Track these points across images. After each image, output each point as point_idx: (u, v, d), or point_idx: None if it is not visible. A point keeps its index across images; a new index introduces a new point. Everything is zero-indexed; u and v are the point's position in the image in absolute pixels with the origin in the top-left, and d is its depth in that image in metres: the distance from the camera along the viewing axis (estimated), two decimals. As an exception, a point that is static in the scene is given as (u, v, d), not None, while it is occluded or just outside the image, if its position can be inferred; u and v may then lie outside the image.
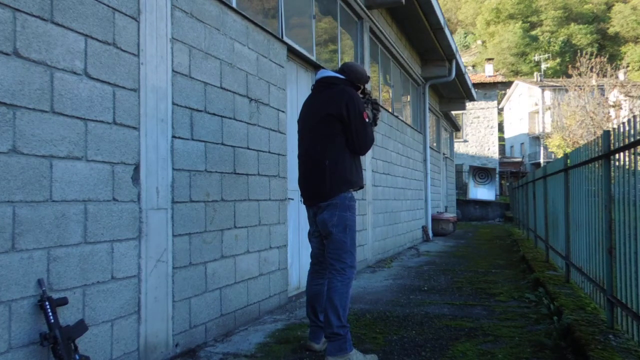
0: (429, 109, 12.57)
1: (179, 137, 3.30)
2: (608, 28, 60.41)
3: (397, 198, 9.08)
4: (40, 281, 2.31)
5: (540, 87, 37.92)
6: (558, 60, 55.56)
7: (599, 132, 9.46)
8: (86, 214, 2.58)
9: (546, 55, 48.64)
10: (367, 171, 7.24)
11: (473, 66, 52.01)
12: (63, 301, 2.38)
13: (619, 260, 3.31)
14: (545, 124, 36.07)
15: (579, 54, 24.62)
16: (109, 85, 2.74)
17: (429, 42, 10.12)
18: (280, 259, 4.63)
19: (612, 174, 3.49)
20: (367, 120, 3.13)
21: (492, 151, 29.72)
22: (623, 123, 3.19)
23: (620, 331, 3.27)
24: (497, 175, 27.23)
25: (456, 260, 8.02)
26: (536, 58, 48.24)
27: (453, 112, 18.17)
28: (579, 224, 4.67)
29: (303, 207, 3.63)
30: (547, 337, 3.51)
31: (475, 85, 21.42)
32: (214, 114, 3.69)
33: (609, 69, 23.51)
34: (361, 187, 3.24)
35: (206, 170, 3.57)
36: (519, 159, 39.20)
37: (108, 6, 2.75)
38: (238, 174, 3.97)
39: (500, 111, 44.30)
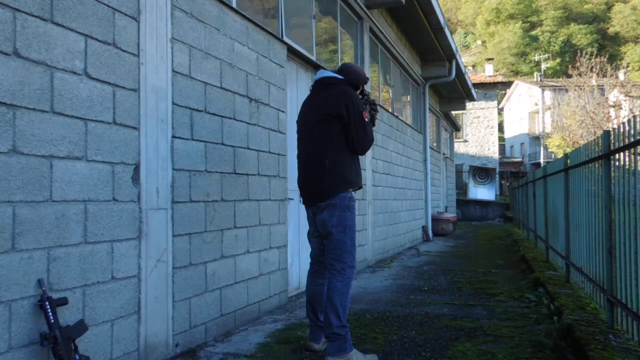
0: (429, 109, 12.57)
1: (179, 137, 3.30)
2: (608, 28, 60.39)
3: (397, 198, 9.08)
4: (40, 281, 2.31)
5: (540, 87, 37.93)
6: (558, 60, 55.54)
7: (599, 132, 9.47)
8: (86, 214, 2.58)
9: (546, 55, 48.62)
10: (367, 171, 7.24)
11: (473, 66, 51.98)
12: (63, 301, 2.38)
13: (619, 260, 3.31)
14: (545, 124, 36.08)
15: (579, 54, 24.60)
16: (109, 85, 2.74)
17: (429, 42, 10.11)
18: (280, 259, 4.63)
19: (612, 174, 3.49)
20: (366, 120, 3.14)
21: (492, 151, 29.72)
22: (623, 123, 3.20)
23: (620, 331, 3.27)
24: (497, 175, 27.23)
25: (456, 260, 8.01)
26: (536, 58, 48.22)
27: (453, 112, 18.16)
28: (579, 224, 4.67)
29: (303, 207, 3.63)
30: (547, 337, 3.51)
31: (475, 85, 21.41)
32: (214, 114, 3.69)
33: (609, 69, 23.49)
34: (360, 187, 3.24)
35: (206, 170, 3.57)
36: (519, 159, 39.19)
37: (108, 6, 2.75)
38: (238, 174, 3.97)
39: (500, 111, 44.30)
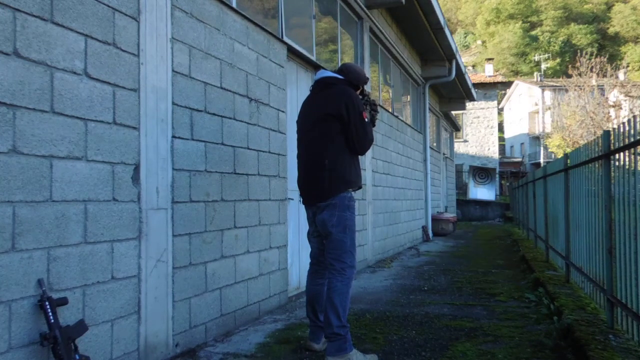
0: (429, 109, 12.57)
1: (179, 137, 3.30)
2: (608, 28, 60.38)
3: (397, 198, 9.08)
4: (40, 281, 2.31)
5: (540, 87, 37.93)
6: (558, 60, 55.53)
7: (599, 132, 9.47)
8: (86, 214, 2.58)
9: (546, 55, 48.61)
10: (367, 171, 7.23)
11: (473, 66, 51.97)
12: (63, 301, 2.38)
13: (619, 260, 3.31)
14: (545, 124, 36.08)
15: (579, 54, 24.59)
16: (109, 85, 2.74)
17: (429, 42, 10.12)
18: (280, 259, 4.63)
19: (612, 174, 3.49)
20: (366, 120, 3.14)
21: (492, 151, 29.72)
22: (623, 123, 3.20)
23: (620, 331, 3.27)
24: (497, 175, 27.23)
25: (456, 260, 8.01)
26: (536, 58, 48.21)
27: (453, 112, 18.16)
28: (579, 224, 4.67)
29: (303, 207, 3.64)
30: (547, 337, 3.52)
31: (475, 85, 21.40)
32: (214, 114, 3.69)
33: (609, 69, 23.48)
34: (360, 187, 3.25)
35: (206, 170, 3.57)
36: (519, 159, 39.20)
37: (108, 6, 2.75)
38: (238, 174, 3.98)
39: (500, 111, 44.31)
